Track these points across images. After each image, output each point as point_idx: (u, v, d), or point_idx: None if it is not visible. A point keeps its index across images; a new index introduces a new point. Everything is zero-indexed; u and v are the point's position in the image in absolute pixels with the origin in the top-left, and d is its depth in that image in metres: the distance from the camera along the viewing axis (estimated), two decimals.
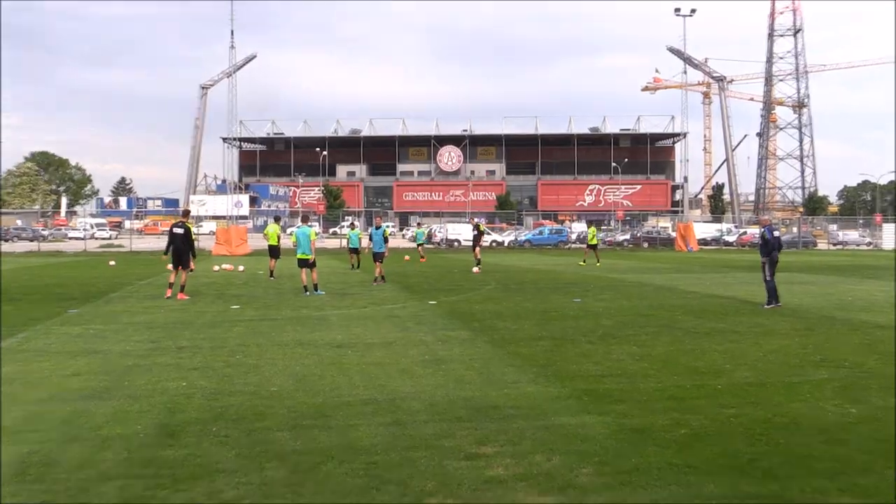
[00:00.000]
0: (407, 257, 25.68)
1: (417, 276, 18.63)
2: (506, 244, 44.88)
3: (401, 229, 74.69)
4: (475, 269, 19.49)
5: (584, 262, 23.28)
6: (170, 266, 12.47)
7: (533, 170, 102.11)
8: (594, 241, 23.83)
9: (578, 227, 61.24)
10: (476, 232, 20.05)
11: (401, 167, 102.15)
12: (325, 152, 70.88)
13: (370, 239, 15.37)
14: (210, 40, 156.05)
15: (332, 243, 42.26)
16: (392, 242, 40.41)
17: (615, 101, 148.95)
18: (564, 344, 7.48)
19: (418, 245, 26.75)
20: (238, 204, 73.65)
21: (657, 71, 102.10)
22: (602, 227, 67.58)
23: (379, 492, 3.60)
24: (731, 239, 46.79)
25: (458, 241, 43.60)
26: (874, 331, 8.31)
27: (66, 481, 3.72)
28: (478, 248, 19.88)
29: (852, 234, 46.82)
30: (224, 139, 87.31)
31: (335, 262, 25.82)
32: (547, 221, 62.95)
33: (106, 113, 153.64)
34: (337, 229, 59.37)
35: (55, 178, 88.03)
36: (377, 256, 14.99)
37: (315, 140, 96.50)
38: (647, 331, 8.39)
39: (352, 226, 22.04)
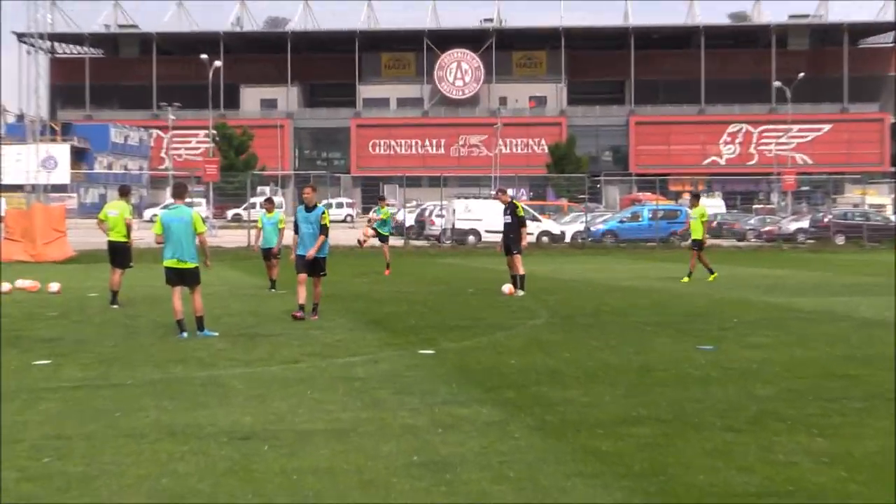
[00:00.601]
0: (387, 271, 25.81)
1: (398, 300, 18.66)
2: (567, 239, 45.25)
3: (364, 212, 75.10)
4: (508, 289, 19.57)
5: (714, 273, 23.46)
6: None
7: (620, 95, 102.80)
8: (699, 234, 23.77)
9: (709, 205, 60.97)
10: (511, 217, 19.94)
11: (365, 91, 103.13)
12: (217, 62, 71.14)
13: (295, 230, 15.42)
14: None
15: (233, 237, 42.48)
16: (340, 236, 40.35)
17: None
18: (683, 432, 7.46)
19: (379, 234, 26.78)
20: (49, 161, 73.80)
21: None
22: (755, 206, 67.83)
23: None
24: None
25: (477, 232, 43.88)
26: None
27: None
28: (517, 255, 19.77)
29: None
30: (20, 37, 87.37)
31: (238, 276, 25.85)
32: (646, 195, 63.06)
33: None
34: (242, 211, 59.64)
35: None
36: (304, 264, 15.03)
37: (199, 39, 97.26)
38: (846, 407, 8.36)
39: (268, 204, 22.09)
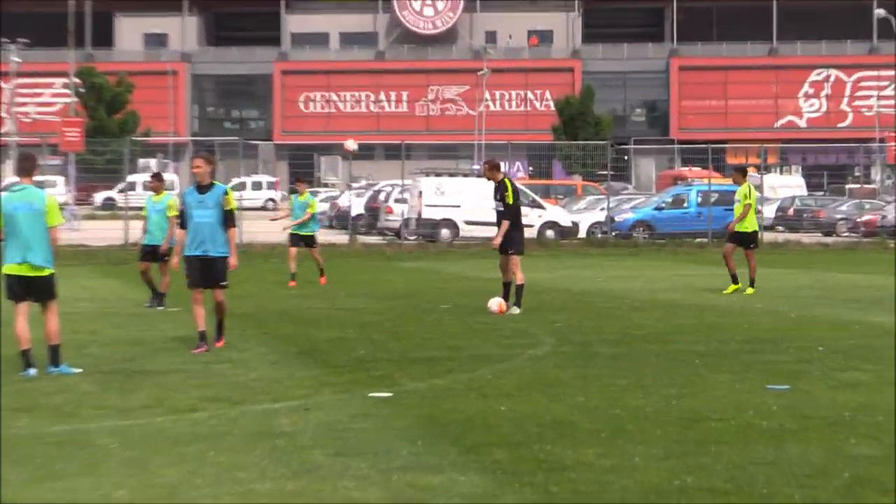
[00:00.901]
0: (322, 278, 25.95)
1: (340, 321, 18.67)
2: (581, 233, 45.64)
3: (291, 193, 74.69)
4: (497, 305, 19.60)
5: (736, 285, 23.73)
6: None
7: (657, 29, 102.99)
8: (750, 225, 24.25)
9: (783, 185, 60.91)
10: (503, 204, 19.97)
11: (294, 23, 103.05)
12: None
13: (180, 221, 15.35)
14: None
15: (104, 232, 42.43)
16: (256, 229, 40.05)
17: None
18: None
19: (300, 238, 26.84)
20: None
21: None
22: (849, 186, 68.04)
23: None
24: None
25: (453, 223, 44.03)
26: None
27: None
28: (514, 256, 19.86)
29: None
30: None
31: (112, 287, 25.76)
32: (694, 171, 63.34)
33: None
34: (116, 195, 59.24)
35: None
36: (200, 272, 14.95)
37: None
38: None
39: (156, 182, 22.00)
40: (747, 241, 24.06)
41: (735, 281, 23.79)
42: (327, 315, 19.57)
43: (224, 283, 15.12)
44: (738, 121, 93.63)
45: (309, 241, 26.58)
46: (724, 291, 23.71)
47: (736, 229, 24.17)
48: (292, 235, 26.81)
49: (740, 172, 25.40)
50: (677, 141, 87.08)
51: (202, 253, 14.84)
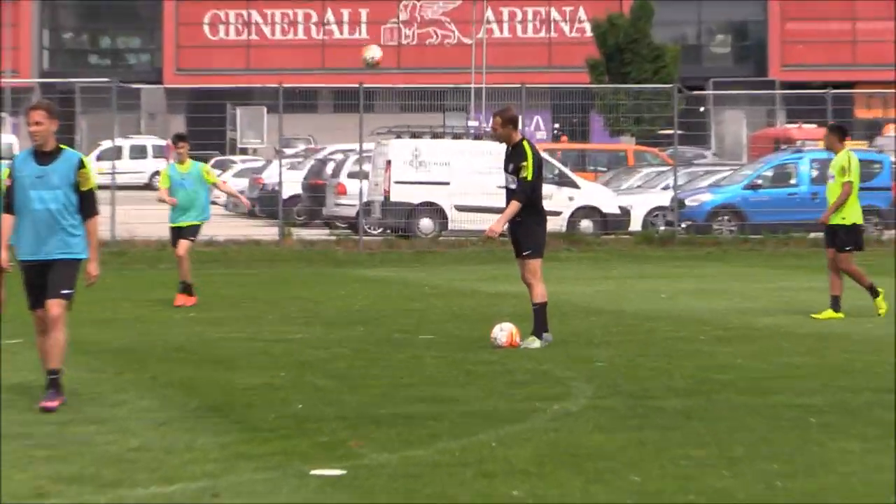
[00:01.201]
0: (188, 300, 26.26)
1: (267, 359, 18.75)
2: (636, 224, 46.20)
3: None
4: (505, 335, 19.79)
5: (842, 315, 24.09)
6: None
7: None
8: (849, 215, 24.44)
9: None
10: (518, 179, 20.02)
11: None
12: None
13: (7, 202, 15.16)
14: None
15: None
16: (133, 216, 40.16)
17: None
18: None
19: (180, 229, 27.28)
20: None
21: None
22: None
23: None
24: None
25: (439, 209, 44.10)
26: None
27: None
28: (531, 260, 19.94)
29: None
30: None
31: None
32: (805, 129, 63.57)
33: None
34: None
35: None
36: (40, 282, 14.89)
37: None
38: None
39: None
40: (844, 240, 24.18)
41: (836, 306, 23.99)
42: (247, 350, 19.67)
43: (66, 292, 14.80)
44: (870, 53, 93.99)
45: (188, 231, 26.96)
46: (816, 316, 23.92)
47: (830, 222, 24.13)
48: (173, 229, 26.95)
49: (836, 133, 25.07)
50: (779, 84, 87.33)
51: (45, 257, 14.72)
